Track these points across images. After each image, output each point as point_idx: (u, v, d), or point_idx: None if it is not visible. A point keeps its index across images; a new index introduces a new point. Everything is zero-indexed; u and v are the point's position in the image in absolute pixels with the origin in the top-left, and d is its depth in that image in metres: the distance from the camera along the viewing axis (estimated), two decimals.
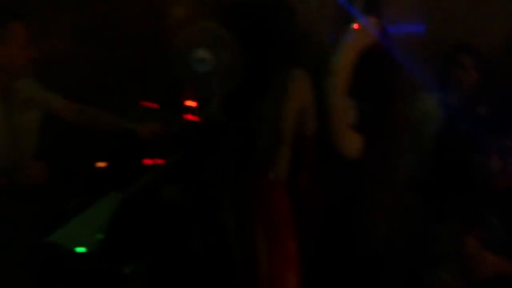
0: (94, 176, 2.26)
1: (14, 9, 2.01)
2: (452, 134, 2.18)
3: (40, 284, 1.72)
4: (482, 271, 1.69)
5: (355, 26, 2.46)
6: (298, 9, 2.48)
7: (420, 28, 2.59)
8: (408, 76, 2.36)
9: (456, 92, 2.38)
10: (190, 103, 2.82)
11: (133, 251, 1.79)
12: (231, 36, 2.49)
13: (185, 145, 2.34)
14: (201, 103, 2.79)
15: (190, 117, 2.68)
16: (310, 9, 2.62)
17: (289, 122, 2.06)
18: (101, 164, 2.29)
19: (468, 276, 1.72)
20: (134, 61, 2.95)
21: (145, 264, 1.72)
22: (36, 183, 2.06)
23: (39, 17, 2.25)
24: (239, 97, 2.47)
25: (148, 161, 2.28)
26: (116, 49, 2.90)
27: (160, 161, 2.28)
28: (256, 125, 2.09)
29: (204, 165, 2.17)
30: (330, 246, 2.00)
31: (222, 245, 1.74)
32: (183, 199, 2.08)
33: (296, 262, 1.85)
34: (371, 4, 2.58)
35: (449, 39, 2.52)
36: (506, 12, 2.59)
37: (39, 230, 1.88)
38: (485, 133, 1.86)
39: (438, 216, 1.94)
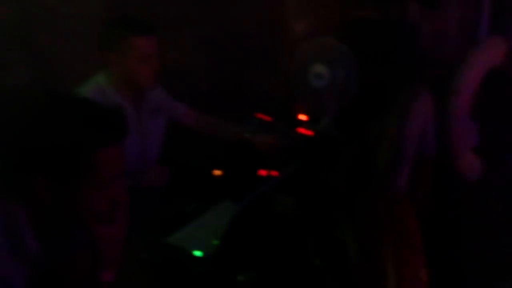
0: (210, 183, 2.34)
1: (139, 22, 2.03)
2: None
3: (160, 283, 1.79)
4: None
5: (481, 45, 2.37)
6: (419, 26, 2.43)
7: None
8: None
9: None
10: (302, 116, 2.85)
11: (247, 260, 1.82)
12: (349, 52, 2.49)
13: (299, 158, 2.36)
14: (314, 117, 2.81)
15: (302, 130, 2.70)
16: (433, 26, 2.56)
17: (410, 141, 2.01)
18: (217, 172, 2.36)
19: None
20: (252, 74, 3.04)
21: (259, 274, 1.74)
22: (157, 186, 2.17)
23: (166, 30, 2.36)
24: (354, 113, 2.46)
25: (262, 172, 2.33)
26: (236, 62, 3.01)
27: (274, 173, 2.31)
28: (376, 142, 2.06)
29: (318, 179, 2.18)
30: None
31: (342, 262, 1.72)
32: (296, 212, 2.09)
33: None
34: (498, 22, 2.47)
35: None
36: None
37: (159, 231, 1.97)
38: None
39: None
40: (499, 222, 2.28)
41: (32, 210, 1.16)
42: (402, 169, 1.99)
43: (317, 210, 2.00)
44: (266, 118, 2.77)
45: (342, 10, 2.70)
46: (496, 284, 1.97)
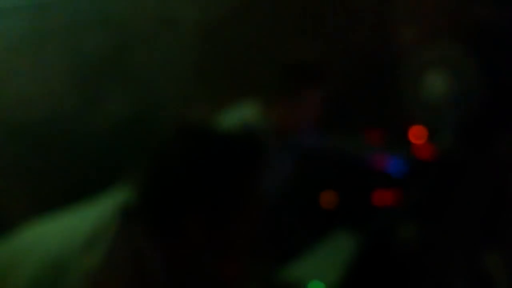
0: (321, 214, 2.25)
1: None
2: None
3: None
4: None
5: None
6: None
7: None
8: None
9: None
10: (418, 134, 2.68)
11: None
12: (469, 58, 2.33)
13: (421, 183, 2.21)
14: (432, 134, 2.64)
15: (419, 151, 2.54)
16: None
17: None
18: (328, 197, 2.26)
19: None
20: (357, 85, 2.92)
21: None
22: None
23: None
24: (480, 127, 2.29)
25: (379, 199, 2.20)
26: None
27: (391, 196, 2.18)
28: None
29: (448, 206, 2.03)
30: None
31: None
32: (421, 241, 1.97)
33: None
34: None
35: None
36: None
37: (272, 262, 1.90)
38: None
39: None
40: None
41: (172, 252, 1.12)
42: None
43: (451, 239, 1.85)
44: (375, 135, 2.63)
45: (460, 11, 2.53)
46: None
